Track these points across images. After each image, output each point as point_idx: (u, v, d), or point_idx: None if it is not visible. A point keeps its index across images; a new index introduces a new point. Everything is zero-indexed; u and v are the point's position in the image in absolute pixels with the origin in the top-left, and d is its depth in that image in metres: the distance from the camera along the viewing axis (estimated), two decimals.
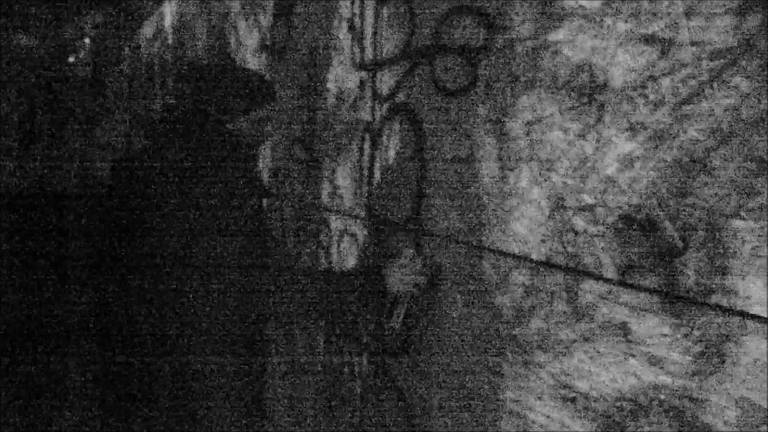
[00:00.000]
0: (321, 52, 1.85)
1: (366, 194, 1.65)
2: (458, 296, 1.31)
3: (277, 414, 2.28)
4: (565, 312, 1.05)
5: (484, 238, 1.23)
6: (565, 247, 1.04)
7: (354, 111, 1.68)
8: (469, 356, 1.28)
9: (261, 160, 2.36)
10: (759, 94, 0.76)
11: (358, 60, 1.64)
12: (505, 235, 1.17)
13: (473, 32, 1.22)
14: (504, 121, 1.16)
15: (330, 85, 1.80)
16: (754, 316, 0.77)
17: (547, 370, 1.09)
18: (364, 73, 1.61)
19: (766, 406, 0.76)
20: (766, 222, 0.76)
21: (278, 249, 2.16)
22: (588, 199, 0.99)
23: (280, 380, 2.25)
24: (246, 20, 2.46)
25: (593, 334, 1.00)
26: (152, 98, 4.31)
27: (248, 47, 2.44)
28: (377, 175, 1.59)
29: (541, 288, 1.09)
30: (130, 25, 5.26)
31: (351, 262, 1.74)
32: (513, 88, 1.13)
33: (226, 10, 2.68)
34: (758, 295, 0.77)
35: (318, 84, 1.87)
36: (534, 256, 1.11)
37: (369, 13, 1.57)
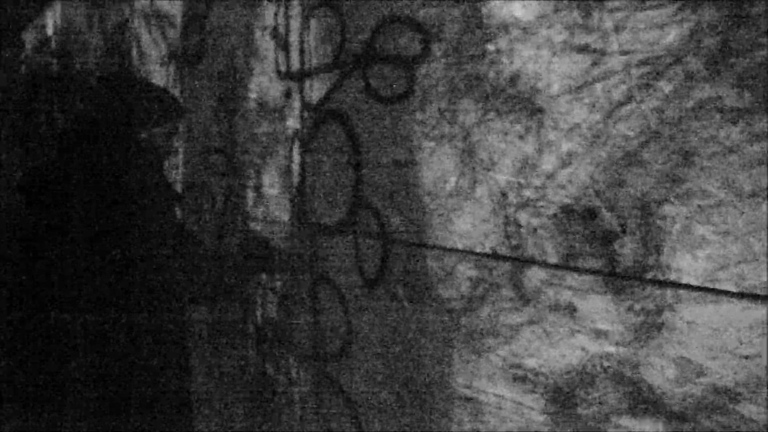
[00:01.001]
0: (240, 61, 1.85)
1: (297, 200, 1.67)
2: (401, 292, 1.37)
3: (205, 420, 2.24)
4: (511, 299, 1.14)
5: (426, 237, 1.30)
6: (509, 240, 1.14)
7: (280, 120, 1.70)
8: (416, 351, 1.34)
9: (173, 170, 2.31)
10: (681, 96, 0.89)
11: (283, 69, 1.67)
12: (449, 232, 1.25)
13: (409, 42, 1.29)
14: (442, 126, 1.24)
15: (252, 95, 1.82)
16: (685, 285, 0.90)
17: (496, 354, 1.18)
18: (291, 82, 1.64)
19: (700, 362, 0.89)
20: (693, 206, 0.89)
21: (196, 246, 2.13)
22: (530, 194, 1.10)
23: (206, 385, 2.21)
24: (149, 29, 2.40)
25: (540, 317, 1.10)
26: (37, 111, 4.05)
27: (153, 57, 2.38)
28: (309, 181, 1.63)
29: (487, 279, 1.18)
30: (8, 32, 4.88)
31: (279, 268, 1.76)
32: (452, 94, 1.22)
33: (125, 18, 2.60)
34: (688, 268, 0.90)
35: (238, 93, 1.88)
36: (478, 250, 1.20)
37: (295, 24, 1.61)
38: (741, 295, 0.85)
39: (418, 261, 1.33)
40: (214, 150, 2.06)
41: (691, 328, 0.90)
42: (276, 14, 1.68)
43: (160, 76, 2.34)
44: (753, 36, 0.83)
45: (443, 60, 1.22)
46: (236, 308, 1.92)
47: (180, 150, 2.23)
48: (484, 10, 1.12)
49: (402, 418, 1.39)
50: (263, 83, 1.76)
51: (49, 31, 3.70)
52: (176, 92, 2.24)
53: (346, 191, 1.50)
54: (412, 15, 1.27)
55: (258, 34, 1.76)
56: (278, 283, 1.74)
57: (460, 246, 1.23)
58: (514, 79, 1.10)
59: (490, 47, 1.13)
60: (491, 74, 1.14)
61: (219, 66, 1.96)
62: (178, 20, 2.19)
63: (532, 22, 1.06)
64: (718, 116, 0.86)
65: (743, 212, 0.85)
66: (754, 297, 0.84)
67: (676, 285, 0.91)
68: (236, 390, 2.01)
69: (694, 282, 0.89)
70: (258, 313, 1.83)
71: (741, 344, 0.86)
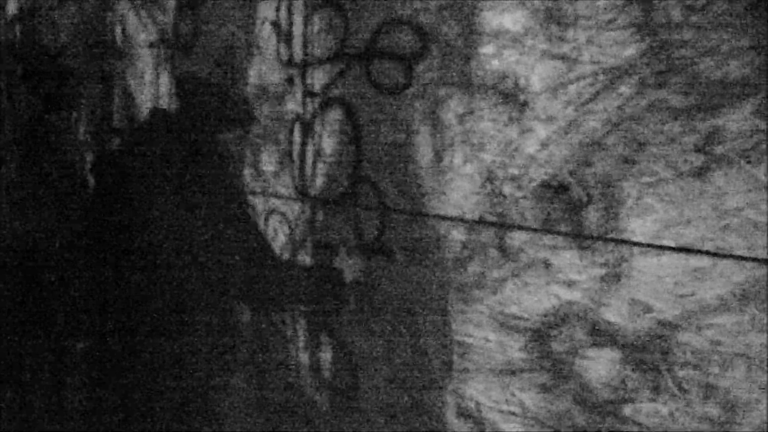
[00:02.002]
0: (239, 49, 2.03)
1: (297, 176, 1.88)
2: (398, 255, 1.61)
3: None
4: (496, 257, 1.40)
5: (422, 207, 1.54)
6: (495, 208, 1.39)
7: (281, 104, 1.90)
8: (412, 305, 1.59)
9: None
10: (636, 97, 1.15)
11: (285, 58, 1.86)
12: (442, 203, 1.50)
13: (409, 41, 1.52)
14: (438, 114, 1.48)
15: (252, 81, 2.00)
16: (637, 243, 1.18)
17: (483, 303, 1.44)
18: (293, 70, 1.84)
19: (647, 302, 1.17)
20: (644, 182, 1.16)
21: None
22: (514, 171, 1.35)
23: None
24: (137, 12, 2.52)
25: (521, 271, 1.36)
26: None
27: (139, 40, 2.51)
28: (309, 159, 1.84)
29: (476, 241, 1.44)
30: None
31: (281, 241, 1.96)
32: (448, 87, 1.45)
33: None
34: (639, 229, 1.17)
35: (237, 79, 2.05)
36: (468, 217, 1.45)
37: (298, 19, 1.80)
38: (679, 249, 1.13)
39: (414, 228, 1.57)
40: (207, 125, 2.22)
41: (640, 276, 1.18)
42: (278, 9, 1.86)
43: (147, 58, 2.48)
44: (690, 54, 1.10)
45: (440, 58, 1.45)
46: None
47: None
48: (477, 20, 1.36)
49: (398, 364, 1.64)
50: (263, 70, 1.95)
51: (10, 8, 3.69)
52: (166, 75, 2.39)
53: (346, 168, 1.72)
54: (413, 18, 1.50)
55: (258, 25, 1.94)
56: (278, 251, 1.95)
57: (452, 214, 1.48)
58: (502, 78, 1.35)
59: (482, 50, 1.37)
60: (482, 72, 1.38)
61: (215, 52, 2.13)
62: (170, 6, 2.32)
63: (519, 32, 1.31)
64: (665, 114, 1.13)
65: (681, 186, 1.13)
66: (688, 250, 1.12)
67: (630, 243, 1.19)
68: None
69: (643, 240, 1.17)
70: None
71: (678, 287, 1.14)
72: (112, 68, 2.73)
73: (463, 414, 1.49)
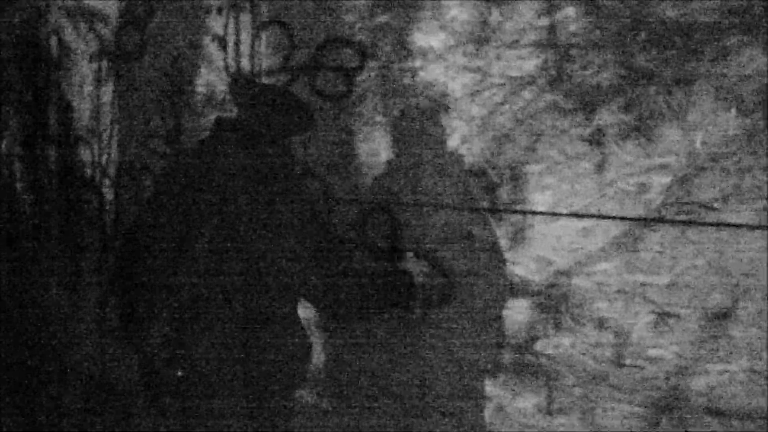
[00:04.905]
0: (187, 60, 2.24)
1: None
2: (340, 232, 1.89)
3: None
4: (429, 232, 1.71)
5: (362, 195, 1.83)
6: (427, 193, 1.71)
7: (229, 110, 2.13)
8: None
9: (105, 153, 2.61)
10: (535, 100, 1.51)
11: (233, 70, 2.10)
12: (381, 191, 1.79)
13: (349, 57, 1.81)
14: (377, 116, 1.78)
15: (199, 89, 2.22)
16: (539, 212, 1.53)
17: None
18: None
19: (549, 257, 1.52)
20: (543, 165, 1.51)
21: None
22: (441, 162, 1.67)
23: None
24: (74, 24, 2.65)
25: (449, 241, 1.68)
26: None
27: (79, 52, 2.64)
28: None
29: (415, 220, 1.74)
30: None
31: None
32: (383, 94, 1.75)
33: (40, 10, 2.80)
34: (540, 201, 1.52)
35: (184, 87, 2.26)
36: (406, 200, 1.75)
37: (245, 35, 2.05)
38: (571, 215, 1.49)
39: (356, 211, 1.85)
40: (153, 135, 2.41)
41: (542, 238, 1.53)
42: (225, 25, 2.10)
43: (87, 70, 2.62)
44: (575, 67, 1.46)
45: (377, 70, 1.76)
46: None
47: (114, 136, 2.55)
48: (409, 39, 1.67)
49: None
50: (211, 80, 2.17)
51: None
52: (110, 86, 2.55)
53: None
54: (352, 36, 1.79)
55: (206, 39, 2.17)
56: None
57: (390, 199, 1.78)
58: (429, 86, 1.67)
59: (413, 64, 1.69)
60: (413, 82, 1.69)
61: (163, 64, 2.32)
62: (114, 20, 2.49)
63: (443, 49, 1.63)
64: (557, 113, 1.49)
65: (571, 167, 1.49)
66: (577, 215, 1.48)
67: (534, 212, 1.53)
68: None
69: (544, 209, 1.52)
70: None
71: (571, 243, 1.50)
72: (47, 79, 2.84)
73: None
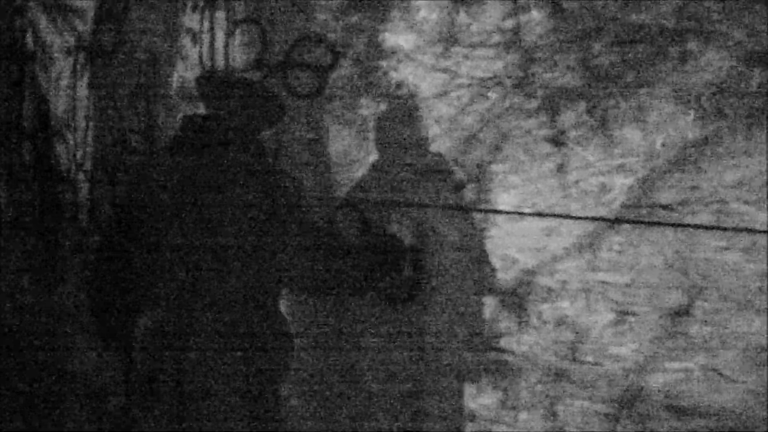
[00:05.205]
0: (163, 56, 2.24)
1: None
2: None
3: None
4: (396, 228, 1.73)
5: (333, 192, 1.85)
6: (395, 191, 1.72)
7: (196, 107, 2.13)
8: None
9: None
10: (501, 101, 1.53)
11: (207, 67, 2.11)
12: (350, 188, 1.81)
13: (322, 55, 1.82)
14: (347, 114, 1.79)
15: (174, 84, 2.22)
16: (504, 211, 1.55)
17: None
18: None
19: (514, 256, 1.54)
20: (508, 165, 1.53)
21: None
22: (410, 160, 1.69)
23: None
24: (51, 18, 2.64)
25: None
26: None
27: (55, 46, 2.64)
28: None
29: (383, 218, 1.76)
30: None
31: None
32: (355, 93, 1.77)
33: (20, 2, 2.79)
34: (505, 201, 1.54)
35: (159, 83, 2.26)
36: (374, 198, 1.77)
37: (220, 32, 2.05)
38: (535, 214, 1.51)
39: (327, 209, 1.86)
40: (129, 130, 2.41)
41: (508, 237, 1.55)
42: (201, 22, 2.11)
43: (64, 64, 2.61)
44: (540, 68, 1.49)
45: (349, 69, 1.77)
46: None
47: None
48: (380, 38, 1.69)
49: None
50: (186, 75, 2.18)
51: None
52: (85, 80, 2.55)
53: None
54: (325, 35, 1.80)
55: (182, 35, 2.17)
56: None
57: (360, 196, 1.79)
58: (399, 86, 1.69)
59: (383, 63, 1.70)
60: (383, 82, 1.71)
61: (138, 59, 2.33)
62: (90, 15, 2.48)
63: (412, 49, 1.65)
64: (521, 114, 1.51)
65: (535, 167, 1.51)
66: (541, 215, 1.51)
67: (499, 211, 1.56)
68: None
69: (508, 209, 1.54)
70: None
71: (535, 242, 1.52)
72: (22, 72, 2.82)
73: None
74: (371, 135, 1.75)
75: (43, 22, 2.69)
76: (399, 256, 1.62)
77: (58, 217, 2.73)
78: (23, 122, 2.84)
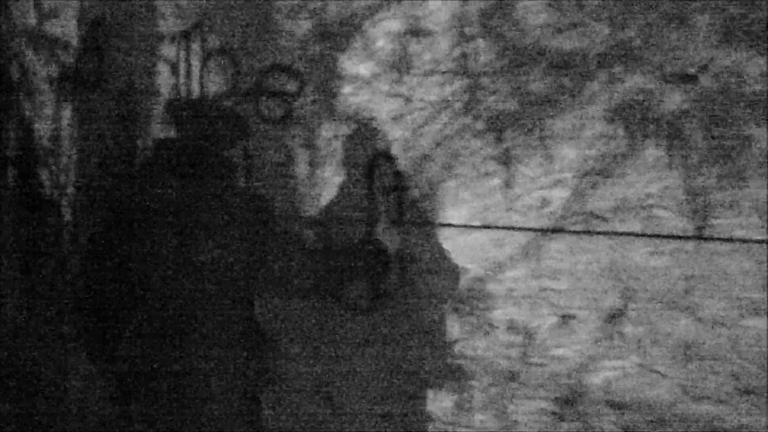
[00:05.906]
0: (143, 84, 2.37)
1: None
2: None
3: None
4: (359, 241, 1.85)
5: (302, 211, 1.96)
6: (358, 210, 1.84)
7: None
8: None
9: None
10: (452, 122, 1.66)
11: (184, 93, 2.23)
12: (317, 207, 1.93)
13: (288, 83, 1.95)
14: (312, 138, 1.92)
15: (153, 113, 2.34)
16: (456, 225, 1.67)
17: None
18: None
19: (466, 266, 1.66)
20: (459, 181, 1.66)
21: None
22: (369, 180, 1.81)
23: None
24: (35, 48, 2.77)
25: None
26: None
27: (39, 76, 2.76)
28: None
29: (344, 234, 1.88)
30: None
31: None
32: (319, 118, 1.90)
33: (2, 32, 2.91)
34: (457, 216, 1.67)
35: (139, 110, 2.38)
36: (338, 214, 1.89)
37: (195, 62, 2.19)
38: (484, 227, 1.64)
39: (296, 226, 1.98)
40: (110, 156, 2.52)
41: (459, 249, 1.67)
42: (177, 52, 2.24)
43: (49, 93, 2.73)
44: (485, 94, 1.63)
45: (313, 96, 1.90)
46: None
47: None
48: (340, 67, 1.83)
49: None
50: (165, 103, 2.30)
51: None
52: (69, 108, 2.66)
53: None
54: (291, 65, 1.94)
55: (160, 65, 2.30)
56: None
57: (326, 215, 1.91)
58: (358, 111, 1.82)
59: (344, 90, 1.84)
60: (344, 107, 1.84)
61: (119, 87, 2.45)
62: (73, 46, 2.61)
63: (369, 77, 1.78)
64: (470, 135, 1.65)
65: (483, 184, 1.64)
66: (489, 227, 1.63)
67: (451, 225, 1.68)
68: None
69: (459, 223, 1.67)
70: None
71: (484, 253, 1.64)
72: (7, 101, 2.93)
73: None
74: (334, 157, 1.87)
75: (28, 53, 2.81)
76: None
77: (41, 241, 2.81)
78: (7, 148, 2.93)
